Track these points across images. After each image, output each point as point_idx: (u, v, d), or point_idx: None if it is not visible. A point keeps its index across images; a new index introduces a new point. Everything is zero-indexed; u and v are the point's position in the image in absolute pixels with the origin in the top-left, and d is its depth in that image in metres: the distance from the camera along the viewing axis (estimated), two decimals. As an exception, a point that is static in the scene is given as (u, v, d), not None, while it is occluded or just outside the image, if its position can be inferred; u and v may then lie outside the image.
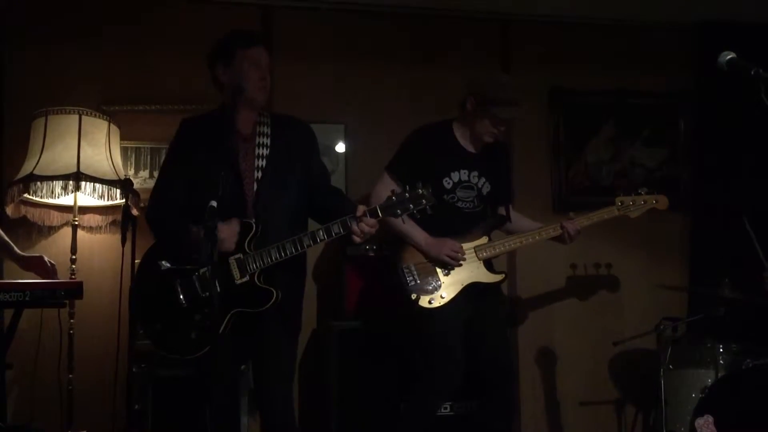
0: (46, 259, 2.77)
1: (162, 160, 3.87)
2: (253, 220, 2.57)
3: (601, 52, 4.40)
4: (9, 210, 3.50)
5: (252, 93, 2.63)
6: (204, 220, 2.21)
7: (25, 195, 3.49)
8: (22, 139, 3.57)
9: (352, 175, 4.07)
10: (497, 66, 4.33)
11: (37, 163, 3.43)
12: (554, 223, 3.25)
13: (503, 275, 3.14)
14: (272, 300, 2.53)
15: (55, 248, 3.70)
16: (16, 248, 2.79)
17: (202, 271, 2.51)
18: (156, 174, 3.84)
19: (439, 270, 3.07)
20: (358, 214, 2.51)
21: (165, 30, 3.98)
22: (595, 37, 4.40)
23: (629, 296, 4.27)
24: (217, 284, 2.50)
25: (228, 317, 2.52)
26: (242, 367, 3.06)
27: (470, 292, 3.07)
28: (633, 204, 3.28)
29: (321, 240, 2.55)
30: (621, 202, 3.28)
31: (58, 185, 3.48)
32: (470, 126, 3.15)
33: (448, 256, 3.02)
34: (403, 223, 2.65)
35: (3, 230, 2.92)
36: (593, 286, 4.25)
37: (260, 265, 2.54)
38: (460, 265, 3.04)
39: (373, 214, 2.54)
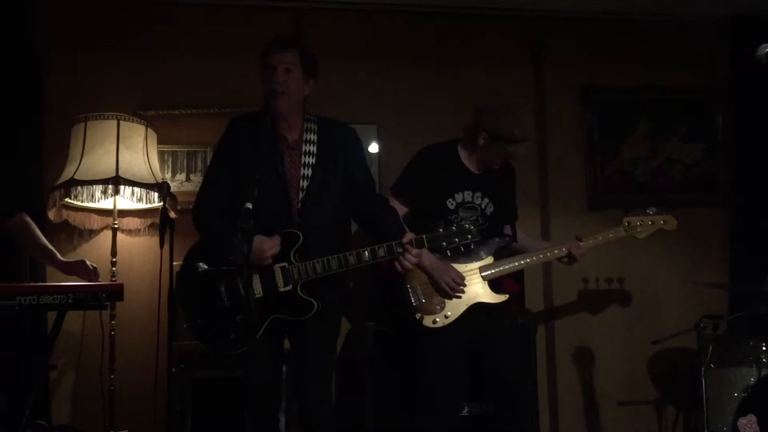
0: (87, 263, 2.82)
1: (198, 164, 3.94)
2: (298, 230, 2.62)
3: (635, 47, 4.35)
4: (51, 214, 3.56)
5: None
6: (239, 223, 2.24)
7: (66, 199, 3.56)
8: (63, 145, 3.64)
9: (385, 176, 4.06)
10: (528, 63, 4.30)
11: (77, 168, 3.49)
12: (589, 226, 3.23)
13: (507, 296, 3.11)
14: (312, 311, 2.58)
15: (95, 251, 3.77)
16: (58, 255, 2.85)
17: (245, 273, 2.54)
18: (192, 177, 3.92)
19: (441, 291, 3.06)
20: (405, 241, 2.58)
21: (199, 35, 4.03)
22: (628, 32, 4.35)
23: (668, 294, 4.22)
24: (260, 288, 2.55)
25: (267, 322, 2.57)
26: (282, 368, 3.09)
27: (475, 312, 3.04)
28: (641, 225, 3.26)
29: (365, 261, 2.62)
30: (628, 222, 3.26)
31: (98, 189, 3.54)
32: (479, 155, 3.13)
33: (448, 285, 2.98)
34: (449, 255, 2.69)
35: (45, 234, 2.98)
36: (630, 285, 4.20)
37: (304, 277, 2.59)
38: (459, 297, 3.00)
39: (419, 243, 2.61)
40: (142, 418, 3.10)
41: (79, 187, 3.50)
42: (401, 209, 3.03)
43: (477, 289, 3.05)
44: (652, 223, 3.27)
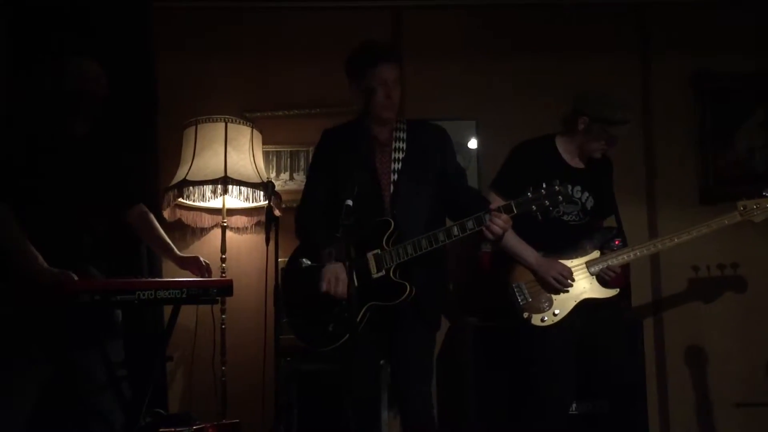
0: (201, 259, 2.94)
1: (300, 163, 4.04)
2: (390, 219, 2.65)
3: (747, 32, 4.12)
4: (166, 214, 3.75)
5: (378, 111, 2.72)
6: (341, 219, 2.29)
7: (180, 199, 3.72)
8: (176, 148, 3.82)
9: (485, 171, 4.03)
10: (634, 51, 4.16)
11: (189, 169, 3.66)
12: (701, 220, 3.12)
13: (617, 290, 3.03)
14: (405, 294, 2.58)
15: (207, 248, 3.93)
16: (175, 249, 2.98)
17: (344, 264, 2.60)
18: (295, 176, 4.03)
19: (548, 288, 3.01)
20: (492, 207, 2.52)
21: (300, 37, 4.13)
22: (739, 16, 4.12)
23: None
24: (355, 278, 2.59)
25: (364, 310, 2.60)
26: (381, 361, 3.12)
27: (584, 308, 2.97)
28: (757, 207, 3.09)
29: (455, 236, 2.59)
30: (744, 206, 3.10)
31: (208, 189, 3.69)
32: (579, 143, 3.08)
33: (555, 279, 2.93)
34: (541, 220, 2.61)
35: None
36: (745, 281, 3.97)
37: (396, 260, 2.61)
38: (567, 291, 2.96)
39: (507, 209, 2.54)
40: (252, 409, 3.20)
41: (191, 188, 3.66)
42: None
43: (584, 285, 2.99)
44: None
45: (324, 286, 2.59)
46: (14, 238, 2.53)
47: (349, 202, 2.31)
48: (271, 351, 2.72)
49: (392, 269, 2.62)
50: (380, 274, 2.62)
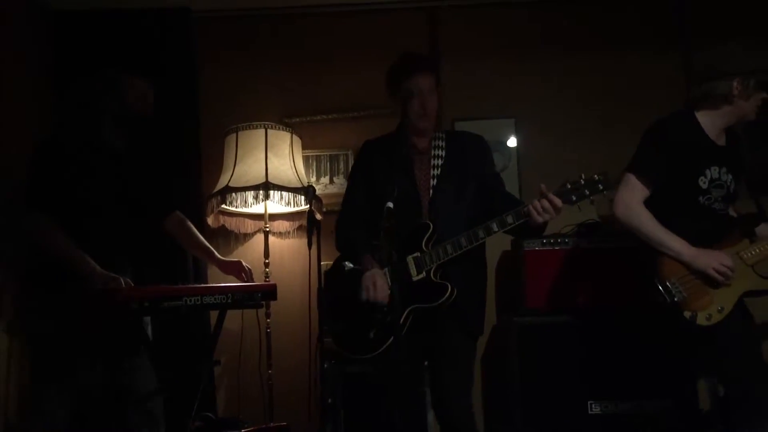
0: (244, 264, 2.98)
1: (340, 166, 4.07)
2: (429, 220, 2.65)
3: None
4: (210, 220, 3.81)
5: (414, 121, 2.74)
6: (381, 222, 2.30)
7: (223, 206, 3.77)
8: (218, 155, 3.88)
9: (524, 170, 4.01)
10: (676, 48, 4.07)
11: (231, 176, 3.71)
12: None
13: None
14: (447, 294, 2.57)
15: (250, 253, 3.97)
16: (216, 253, 3.03)
17: (383, 270, 2.62)
18: (335, 179, 4.05)
19: (705, 282, 2.72)
20: (542, 189, 2.50)
21: (337, 41, 4.16)
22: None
23: None
24: (394, 282, 2.59)
25: (406, 314, 2.60)
26: (425, 362, 3.11)
27: (742, 302, 2.74)
28: None
29: (494, 231, 2.58)
30: None
31: (250, 195, 3.73)
32: (737, 111, 2.77)
33: (717, 271, 2.65)
34: (579, 210, 2.57)
35: (205, 239, 3.17)
36: None
37: (436, 261, 2.61)
38: (728, 284, 2.68)
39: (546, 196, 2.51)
40: (299, 411, 3.23)
41: (234, 194, 3.71)
42: (642, 193, 2.74)
43: (745, 276, 2.71)
44: None
45: (363, 294, 2.60)
46: (66, 247, 2.61)
47: (390, 205, 2.32)
48: (315, 353, 2.73)
49: (432, 270, 2.62)
50: (420, 276, 2.62)
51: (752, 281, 2.73)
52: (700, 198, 2.76)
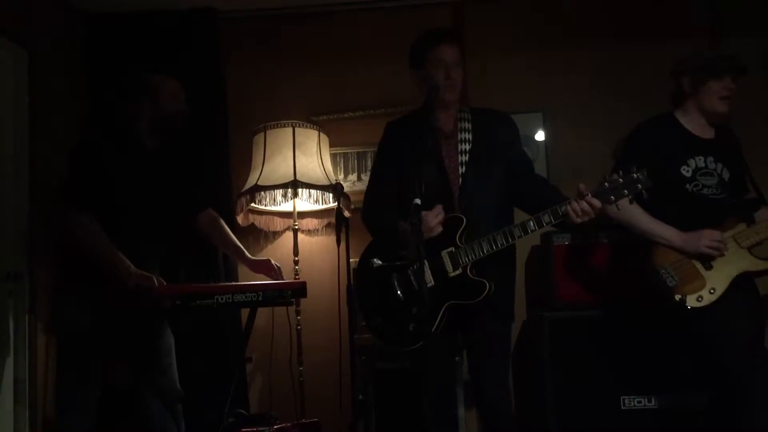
0: (273, 262, 3.01)
1: (368, 163, 4.08)
2: (461, 214, 2.63)
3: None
4: (239, 219, 3.84)
5: (442, 93, 2.68)
6: (409, 218, 2.30)
7: (252, 204, 3.81)
8: (246, 154, 3.92)
9: (553, 163, 3.98)
10: (706, 36, 4.00)
11: (260, 175, 3.74)
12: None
13: None
14: (485, 292, 2.56)
15: (279, 251, 4.01)
16: (247, 253, 3.06)
17: (416, 265, 2.61)
18: (363, 176, 4.06)
19: (699, 265, 2.80)
20: (580, 190, 2.47)
21: (361, 39, 4.17)
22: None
23: None
24: (431, 277, 2.60)
25: (443, 310, 2.59)
26: (456, 358, 3.12)
27: (742, 284, 2.79)
28: None
29: (531, 230, 2.56)
30: None
31: (278, 193, 3.77)
32: (697, 105, 2.92)
33: (709, 247, 2.75)
34: (618, 210, 2.54)
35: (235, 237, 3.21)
36: None
37: (472, 258, 2.59)
38: (722, 254, 2.76)
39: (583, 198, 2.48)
40: (330, 407, 3.26)
41: (263, 192, 3.75)
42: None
43: (738, 259, 2.78)
44: None
45: (428, 221, 2.53)
46: (105, 245, 2.67)
47: (418, 201, 2.30)
48: (346, 350, 2.75)
49: (468, 267, 2.60)
50: (457, 272, 2.60)
51: (747, 262, 2.80)
52: (688, 186, 2.85)
